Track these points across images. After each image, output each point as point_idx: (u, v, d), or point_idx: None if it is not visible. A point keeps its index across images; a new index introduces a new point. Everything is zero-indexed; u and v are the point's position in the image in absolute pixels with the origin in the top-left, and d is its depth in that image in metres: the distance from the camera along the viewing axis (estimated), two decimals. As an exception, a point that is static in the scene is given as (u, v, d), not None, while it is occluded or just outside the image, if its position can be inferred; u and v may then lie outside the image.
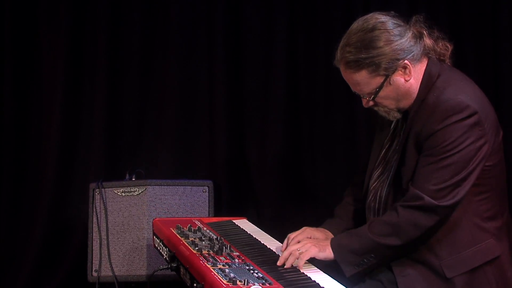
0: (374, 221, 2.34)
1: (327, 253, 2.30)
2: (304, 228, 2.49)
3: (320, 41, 3.88)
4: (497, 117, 2.41)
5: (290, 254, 2.27)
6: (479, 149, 2.27)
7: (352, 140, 3.87)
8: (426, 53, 2.38)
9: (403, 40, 2.32)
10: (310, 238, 2.44)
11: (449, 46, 2.43)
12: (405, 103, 2.38)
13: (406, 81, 2.35)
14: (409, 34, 2.33)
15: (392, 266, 2.34)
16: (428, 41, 2.39)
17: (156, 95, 3.95)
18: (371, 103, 2.40)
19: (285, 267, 2.24)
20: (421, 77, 2.36)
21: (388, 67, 2.31)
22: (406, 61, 2.32)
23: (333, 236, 2.51)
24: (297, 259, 2.26)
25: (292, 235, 2.43)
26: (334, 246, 2.31)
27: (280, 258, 2.26)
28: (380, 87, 2.33)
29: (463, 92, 2.30)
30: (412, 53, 2.33)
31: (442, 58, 2.41)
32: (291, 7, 3.89)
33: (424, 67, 2.37)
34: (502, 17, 3.62)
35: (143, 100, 3.95)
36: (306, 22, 3.90)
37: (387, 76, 2.33)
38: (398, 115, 2.41)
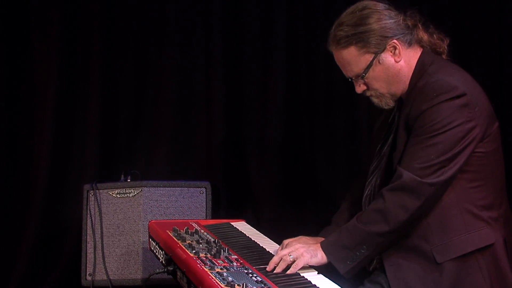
0: (361, 212, 2.36)
1: (319, 258, 2.30)
2: (300, 237, 2.49)
3: (320, 34, 3.87)
4: (496, 112, 2.43)
5: (281, 259, 2.25)
6: (469, 131, 2.30)
7: (353, 141, 3.86)
8: (419, 42, 2.44)
9: (393, 21, 2.40)
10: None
11: (444, 40, 2.48)
12: (397, 88, 2.43)
13: (396, 62, 2.40)
14: (400, 18, 2.41)
15: (382, 257, 2.34)
16: (422, 33, 2.46)
17: (152, 94, 3.94)
18: (363, 86, 2.44)
19: (274, 271, 2.21)
20: (414, 65, 2.42)
21: (377, 44, 2.38)
22: (395, 40, 2.39)
23: None
24: (289, 265, 2.24)
25: (286, 242, 2.43)
26: (324, 246, 2.31)
27: (270, 263, 2.25)
28: (370, 65, 2.39)
29: (452, 75, 2.35)
30: (402, 35, 2.40)
31: (438, 50, 2.47)
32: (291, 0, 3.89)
33: (418, 56, 2.43)
34: (508, 15, 3.62)
35: (139, 99, 3.95)
36: (306, 16, 3.89)
37: (376, 54, 2.39)
38: (391, 103, 2.45)
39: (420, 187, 2.26)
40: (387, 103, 2.46)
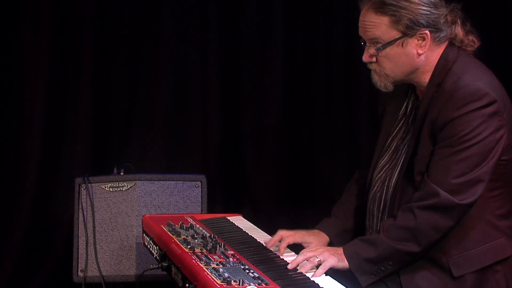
0: (389, 226, 2.30)
1: (346, 264, 2.28)
2: (296, 230, 2.49)
3: (319, 27, 3.87)
4: None
5: (307, 260, 2.23)
6: (498, 140, 2.27)
7: (353, 134, 3.87)
8: (451, 39, 2.38)
9: (435, 12, 2.33)
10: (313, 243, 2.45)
11: (476, 42, 2.43)
12: (403, 76, 2.39)
13: (419, 54, 2.35)
14: (443, 12, 2.35)
15: None
16: (459, 30, 2.40)
17: (146, 86, 3.93)
18: (372, 57, 2.39)
19: (303, 271, 2.19)
20: (436, 61, 2.37)
21: (408, 26, 2.32)
22: (427, 32, 2.33)
23: (327, 238, 2.53)
24: (315, 267, 2.23)
25: (283, 233, 2.43)
26: (349, 255, 2.29)
27: (292, 261, 2.22)
28: (391, 42, 2.33)
29: (481, 79, 2.30)
30: (436, 30, 2.34)
31: (466, 49, 2.41)
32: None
33: (441, 52, 2.38)
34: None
35: (132, 90, 3.94)
36: (305, 9, 3.89)
37: (403, 35, 2.33)
38: (390, 87, 2.41)
39: (456, 208, 2.24)
40: (386, 86, 2.41)
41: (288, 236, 2.44)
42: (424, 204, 2.25)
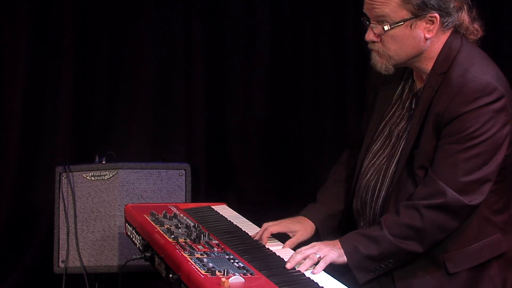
0: (392, 222, 2.27)
1: (344, 258, 2.25)
2: (280, 220, 2.48)
3: (307, 19, 3.88)
4: None
5: (305, 257, 2.19)
6: (505, 137, 2.25)
7: (340, 124, 3.88)
8: (456, 26, 2.35)
9: None
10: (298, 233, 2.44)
11: (480, 31, 2.40)
12: (406, 59, 2.34)
13: (426, 39, 2.30)
14: None
15: None
16: (465, 16, 2.36)
17: (128, 72, 3.92)
18: (375, 37, 2.32)
19: (303, 270, 2.15)
20: (440, 47, 2.33)
21: (419, 7, 2.26)
22: (437, 15, 2.28)
23: (312, 225, 2.51)
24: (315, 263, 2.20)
25: (268, 226, 2.43)
26: (348, 250, 2.25)
27: (290, 260, 2.17)
28: (400, 22, 2.27)
29: (489, 72, 2.27)
30: (446, 13, 2.30)
31: (470, 38, 2.38)
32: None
33: (446, 39, 2.34)
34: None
35: (114, 77, 3.92)
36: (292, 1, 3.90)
37: (413, 16, 2.27)
38: (390, 69, 2.35)
39: (464, 209, 2.23)
40: (387, 68, 2.36)
41: (271, 225, 2.44)
42: (431, 204, 2.23)
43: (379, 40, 2.33)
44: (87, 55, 3.90)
